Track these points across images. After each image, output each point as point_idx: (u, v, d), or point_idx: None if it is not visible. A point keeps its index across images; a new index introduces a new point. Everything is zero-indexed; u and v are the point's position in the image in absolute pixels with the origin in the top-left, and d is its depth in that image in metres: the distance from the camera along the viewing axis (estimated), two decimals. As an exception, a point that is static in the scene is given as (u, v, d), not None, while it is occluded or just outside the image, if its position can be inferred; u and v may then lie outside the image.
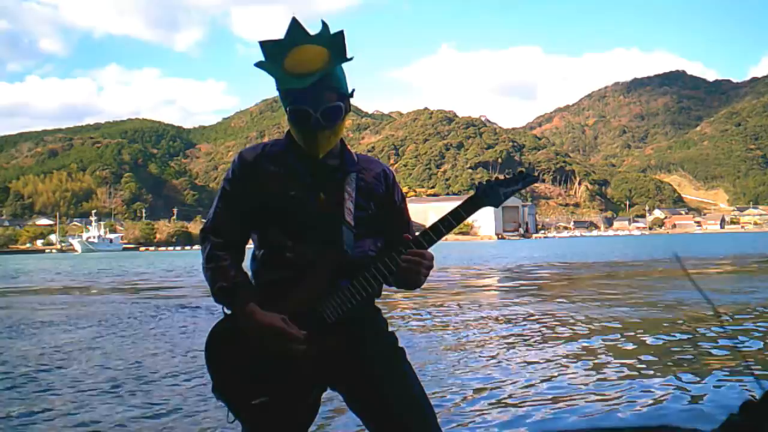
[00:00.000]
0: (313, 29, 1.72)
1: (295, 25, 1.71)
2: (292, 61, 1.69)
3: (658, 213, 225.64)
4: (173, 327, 8.35)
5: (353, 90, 1.77)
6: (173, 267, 30.89)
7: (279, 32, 1.73)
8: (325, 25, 1.71)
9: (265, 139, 1.98)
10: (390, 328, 1.90)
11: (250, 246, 1.86)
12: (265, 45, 1.73)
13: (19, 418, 4.05)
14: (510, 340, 6.60)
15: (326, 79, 1.69)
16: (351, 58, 1.70)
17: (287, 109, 1.73)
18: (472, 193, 1.75)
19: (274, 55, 1.71)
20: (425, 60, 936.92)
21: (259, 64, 1.72)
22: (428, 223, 1.77)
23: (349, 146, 1.87)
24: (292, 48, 1.70)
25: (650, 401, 4.09)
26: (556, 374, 4.96)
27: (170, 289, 16.13)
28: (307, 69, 1.67)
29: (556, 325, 7.60)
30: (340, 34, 1.70)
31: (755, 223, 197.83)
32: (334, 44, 1.70)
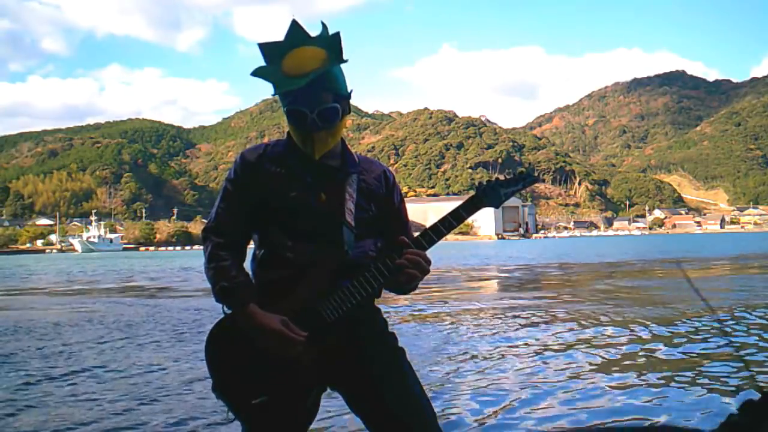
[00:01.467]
0: (313, 30, 1.72)
1: (295, 27, 1.72)
2: (290, 62, 1.70)
3: (658, 213, 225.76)
4: (179, 327, 8.36)
5: (351, 91, 1.78)
6: (175, 267, 30.89)
7: (280, 32, 1.73)
8: (324, 26, 1.72)
9: (266, 140, 1.90)
10: (390, 328, 1.89)
11: (250, 246, 1.87)
12: (264, 47, 1.73)
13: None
14: (511, 340, 6.61)
15: (323, 79, 1.69)
16: (346, 61, 1.71)
17: (285, 109, 1.74)
18: (472, 193, 1.75)
19: (273, 57, 1.72)
20: (426, 60, 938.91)
21: (255, 73, 1.72)
22: (428, 223, 1.76)
23: (349, 146, 1.88)
24: (291, 50, 1.71)
25: (650, 401, 4.09)
26: (556, 373, 4.96)
27: (174, 290, 16.13)
28: (303, 70, 1.68)
29: (556, 324, 7.61)
30: (337, 35, 1.71)
31: (755, 223, 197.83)
32: (331, 45, 1.70)
